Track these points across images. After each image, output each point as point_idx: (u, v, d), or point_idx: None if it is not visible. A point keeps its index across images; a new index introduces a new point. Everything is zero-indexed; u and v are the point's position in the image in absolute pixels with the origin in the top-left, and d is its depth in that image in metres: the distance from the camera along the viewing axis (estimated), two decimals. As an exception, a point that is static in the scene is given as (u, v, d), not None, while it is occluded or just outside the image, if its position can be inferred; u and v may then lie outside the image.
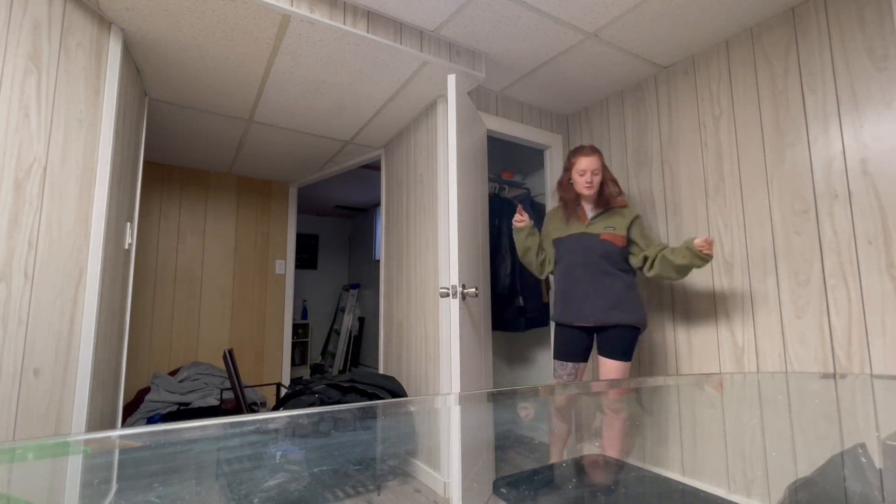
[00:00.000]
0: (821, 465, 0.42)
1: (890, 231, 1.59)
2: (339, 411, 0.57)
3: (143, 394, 3.12)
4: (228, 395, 3.14)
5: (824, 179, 1.77)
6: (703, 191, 2.17)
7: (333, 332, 5.94)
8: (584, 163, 1.94)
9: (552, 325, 2.76)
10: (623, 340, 1.86)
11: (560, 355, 2.00)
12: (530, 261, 2.12)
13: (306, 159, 3.46)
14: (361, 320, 5.68)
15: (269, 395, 3.81)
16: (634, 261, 1.99)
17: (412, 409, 0.59)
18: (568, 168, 2.01)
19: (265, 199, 4.03)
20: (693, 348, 2.17)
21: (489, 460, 2.15)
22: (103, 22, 1.70)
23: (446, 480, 2.09)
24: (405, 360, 2.62)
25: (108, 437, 0.47)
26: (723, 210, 2.09)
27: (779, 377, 0.86)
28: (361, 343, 5.60)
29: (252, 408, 3.13)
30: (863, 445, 0.46)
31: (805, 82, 1.83)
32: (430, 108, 2.51)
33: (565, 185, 2.03)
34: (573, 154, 1.99)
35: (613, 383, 0.81)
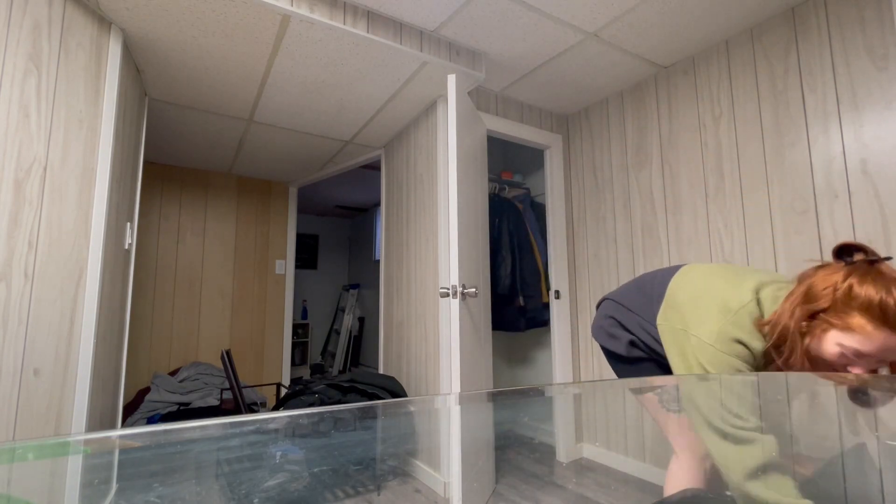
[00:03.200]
0: (821, 465, 0.43)
1: (890, 231, 1.59)
2: (339, 411, 0.57)
3: (143, 394, 3.12)
4: (228, 395, 3.14)
5: (824, 179, 1.77)
6: (703, 191, 2.17)
7: (333, 332, 5.93)
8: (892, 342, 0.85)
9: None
10: None
11: None
12: None
13: (306, 159, 3.46)
14: (361, 320, 5.68)
15: (269, 395, 3.81)
16: None
17: (412, 409, 0.59)
18: (845, 325, 0.88)
19: (265, 199, 4.03)
20: (693, 348, 2.17)
21: (489, 460, 2.15)
22: (103, 22, 1.70)
23: (446, 480, 2.09)
24: (405, 360, 2.62)
25: (108, 437, 0.47)
26: (723, 210, 2.09)
27: (779, 377, 0.86)
28: (361, 343, 5.60)
29: (252, 408, 3.13)
30: (863, 445, 0.46)
31: (805, 82, 1.83)
32: (430, 108, 2.51)
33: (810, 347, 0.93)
34: (884, 318, 0.84)
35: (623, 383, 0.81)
